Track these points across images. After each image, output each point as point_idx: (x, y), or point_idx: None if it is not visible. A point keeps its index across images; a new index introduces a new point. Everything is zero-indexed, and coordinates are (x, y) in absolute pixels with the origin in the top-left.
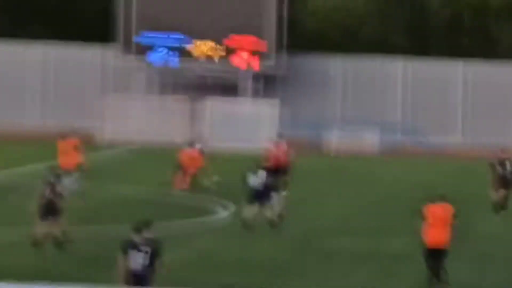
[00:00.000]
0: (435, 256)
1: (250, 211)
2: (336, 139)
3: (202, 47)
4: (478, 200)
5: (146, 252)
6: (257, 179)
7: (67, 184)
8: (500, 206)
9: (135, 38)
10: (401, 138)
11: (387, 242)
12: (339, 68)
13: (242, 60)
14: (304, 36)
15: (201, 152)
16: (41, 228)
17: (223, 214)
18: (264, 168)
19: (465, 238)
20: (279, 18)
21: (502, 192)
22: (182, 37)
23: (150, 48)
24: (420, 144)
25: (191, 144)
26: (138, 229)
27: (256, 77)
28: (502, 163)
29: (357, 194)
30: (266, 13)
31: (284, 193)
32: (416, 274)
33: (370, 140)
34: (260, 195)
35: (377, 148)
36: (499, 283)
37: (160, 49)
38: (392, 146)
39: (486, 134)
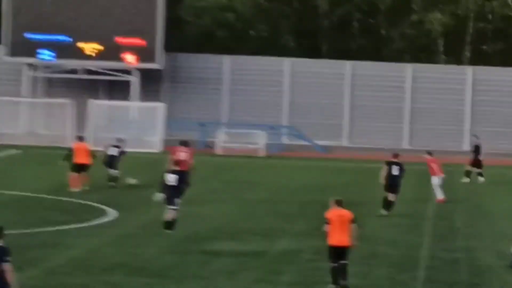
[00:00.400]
0: (337, 255)
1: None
2: (223, 140)
3: (87, 49)
4: (362, 201)
5: None
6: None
7: None
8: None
9: (20, 40)
10: (288, 140)
11: (272, 243)
12: (228, 69)
13: (127, 62)
14: (191, 37)
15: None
16: None
17: (106, 217)
18: (174, 172)
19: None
20: (165, 19)
21: (390, 196)
22: (68, 38)
23: (35, 49)
24: (309, 146)
25: (80, 138)
26: None
27: (142, 78)
28: (390, 167)
29: (243, 196)
30: (151, 14)
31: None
32: (300, 273)
33: (257, 141)
34: (171, 196)
35: (264, 150)
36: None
37: (45, 51)
38: (279, 148)
39: (371, 137)
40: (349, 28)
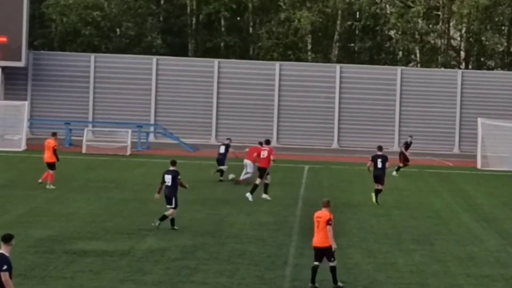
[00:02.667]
0: (319, 255)
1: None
2: (88, 139)
3: None
4: (231, 199)
5: None
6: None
7: None
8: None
9: None
10: (155, 139)
11: (137, 242)
12: (94, 67)
13: None
14: (57, 35)
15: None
16: None
17: None
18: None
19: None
20: (29, 17)
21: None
22: None
23: None
24: (177, 145)
25: None
26: None
27: (5, 76)
28: (375, 161)
29: (109, 195)
30: (15, 12)
31: None
32: (165, 272)
33: (123, 140)
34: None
35: (130, 148)
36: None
37: None
38: (146, 146)
39: (238, 134)
40: (216, 26)
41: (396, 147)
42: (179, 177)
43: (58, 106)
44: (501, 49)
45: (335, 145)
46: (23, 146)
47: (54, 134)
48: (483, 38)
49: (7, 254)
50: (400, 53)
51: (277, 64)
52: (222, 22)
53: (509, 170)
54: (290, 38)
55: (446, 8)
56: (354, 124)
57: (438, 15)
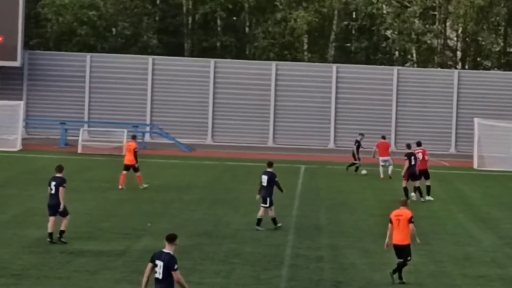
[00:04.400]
0: (399, 252)
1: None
2: (84, 138)
3: None
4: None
5: None
6: None
7: None
8: None
9: None
10: (151, 139)
11: (133, 242)
12: (90, 67)
13: None
14: (53, 35)
15: None
16: None
17: None
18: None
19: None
20: (25, 17)
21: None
22: None
23: None
24: (173, 145)
25: None
26: None
27: (1, 76)
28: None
29: (105, 195)
30: (11, 11)
31: None
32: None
33: (119, 140)
34: None
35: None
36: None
37: None
38: (142, 146)
39: (236, 134)
40: (213, 26)
41: (393, 147)
42: (276, 179)
43: (53, 106)
44: (497, 49)
45: (331, 145)
46: (18, 146)
47: (134, 137)
48: (479, 38)
49: (172, 253)
50: (397, 53)
51: (273, 64)
52: (218, 21)
53: (505, 170)
54: (287, 38)
55: (443, 8)
56: (350, 124)
57: (435, 15)
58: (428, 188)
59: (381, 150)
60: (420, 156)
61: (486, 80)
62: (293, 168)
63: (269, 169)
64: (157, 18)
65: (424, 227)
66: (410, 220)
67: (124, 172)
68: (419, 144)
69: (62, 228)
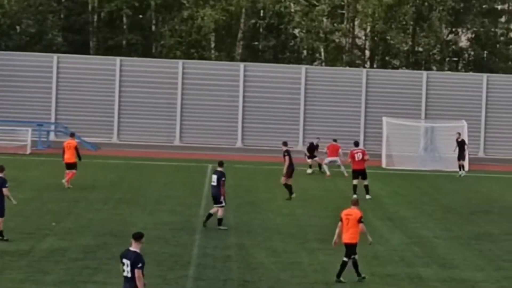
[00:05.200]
0: (348, 251)
1: None
2: None
3: None
4: (133, 199)
5: None
6: None
7: None
8: None
9: None
10: (56, 138)
11: (38, 242)
12: None
13: None
14: None
15: None
16: None
17: None
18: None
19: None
20: None
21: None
22: None
23: None
24: (78, 144)
25: None
26: None
27: None
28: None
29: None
30: None
31: None
32: (67, 272)
33: (23, 138)
34: None
35: (29, 147)
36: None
37: None
38: (47, 145)
39: (142, 133)
40: (118, 24)
41: (301, 146)
42: (223, 178)
43: None
44: (405, 48)
45: (239, 144)
46: None
47: (73, 135)
48: (387, 37)
49: (139, 251)
50: (305, 51)
51: (180, 62)
52: (124, 19)
53: (413, 169)
54: (194, 36)
55: (351, 7)
56: (258, 123)
57: (343, 14)
58: (366, 187)
59: (330, 151)
60: (360, 156)
61: (394, 79)
62: (200, 167)
63: (219, 169)
64: (62, 16)
65: (332, 226)
66: (359, 220)
67: (67, 171)
68: (356, 144)
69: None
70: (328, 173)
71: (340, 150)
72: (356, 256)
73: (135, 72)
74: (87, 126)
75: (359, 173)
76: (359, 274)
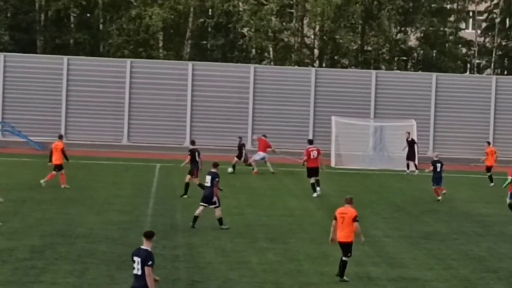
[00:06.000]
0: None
1: None
2: None
3: None
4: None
5: None
6: None
7: None
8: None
9: None
10: (2, 137)
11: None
12: None
13: None
14: None
15: None
16: None
17: None
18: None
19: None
20: None
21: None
22: None
23: None
24: (25, 143)
25: None
26: None
27: None
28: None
29: None
30: None
31: None
32: (14, 272)
33: None
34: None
35: None
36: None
37: None
38: None
39: (90, 133)
40: (66, 23)
41: (249, 146)
42: (216, 179)
43: None
44: (354, 48)
45: (187, 143)
46: None
47: (61, 137)
48: (336, 37)
49: (150, 249)
50: (253, 50)
51: (128, 61)
52: (72, 18)
53: (361, 168)
54: (142, 35)
55: (300, 6)
56: (206, 122)
57: (292, 13)
58: (317, 182)
59: (260, 146)
60: (315, 154)
61: (343, 78)
62: (148, 167)
63: (213, 170)
64: (9, 14)
65: (281, 225)
66: (354, 219)
67: (54, 172)
68: (311, 142)
69: None
70: (255, 169)
71: (270, 149)
72: (351, 256)
73: (82, 71)
74: (34, 126)
75: (315, 171)
76: (341, 275)
